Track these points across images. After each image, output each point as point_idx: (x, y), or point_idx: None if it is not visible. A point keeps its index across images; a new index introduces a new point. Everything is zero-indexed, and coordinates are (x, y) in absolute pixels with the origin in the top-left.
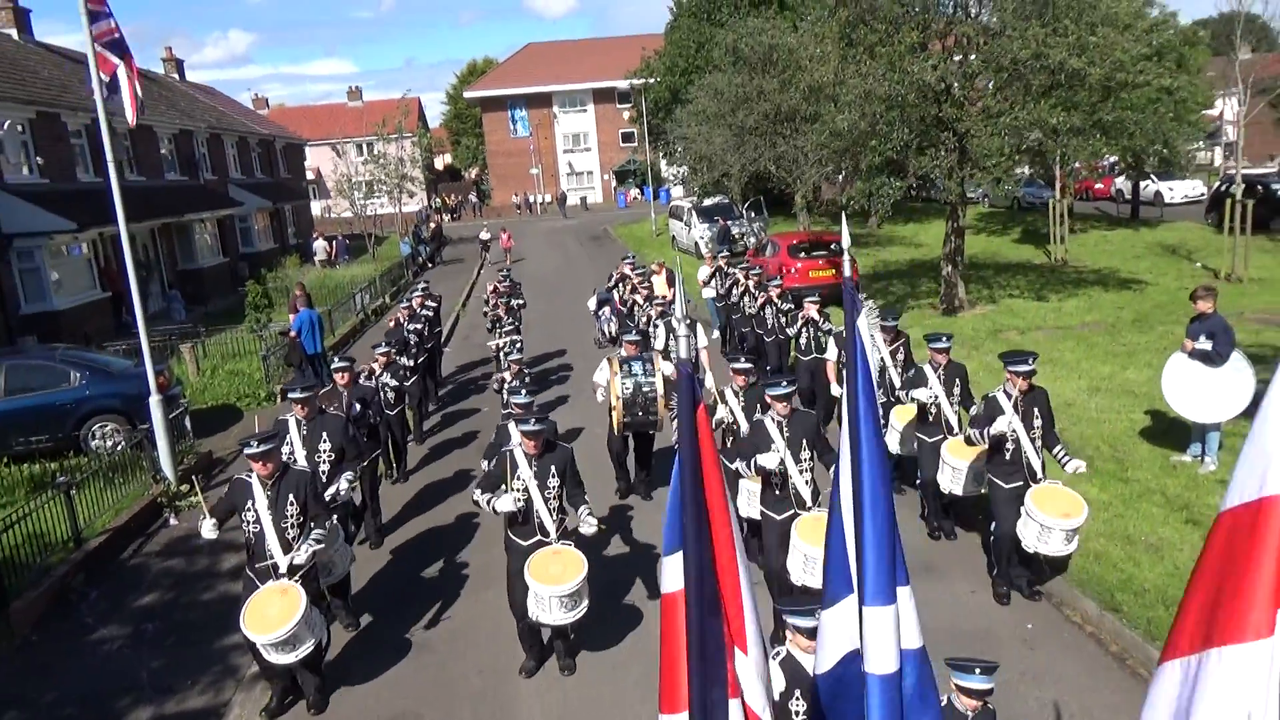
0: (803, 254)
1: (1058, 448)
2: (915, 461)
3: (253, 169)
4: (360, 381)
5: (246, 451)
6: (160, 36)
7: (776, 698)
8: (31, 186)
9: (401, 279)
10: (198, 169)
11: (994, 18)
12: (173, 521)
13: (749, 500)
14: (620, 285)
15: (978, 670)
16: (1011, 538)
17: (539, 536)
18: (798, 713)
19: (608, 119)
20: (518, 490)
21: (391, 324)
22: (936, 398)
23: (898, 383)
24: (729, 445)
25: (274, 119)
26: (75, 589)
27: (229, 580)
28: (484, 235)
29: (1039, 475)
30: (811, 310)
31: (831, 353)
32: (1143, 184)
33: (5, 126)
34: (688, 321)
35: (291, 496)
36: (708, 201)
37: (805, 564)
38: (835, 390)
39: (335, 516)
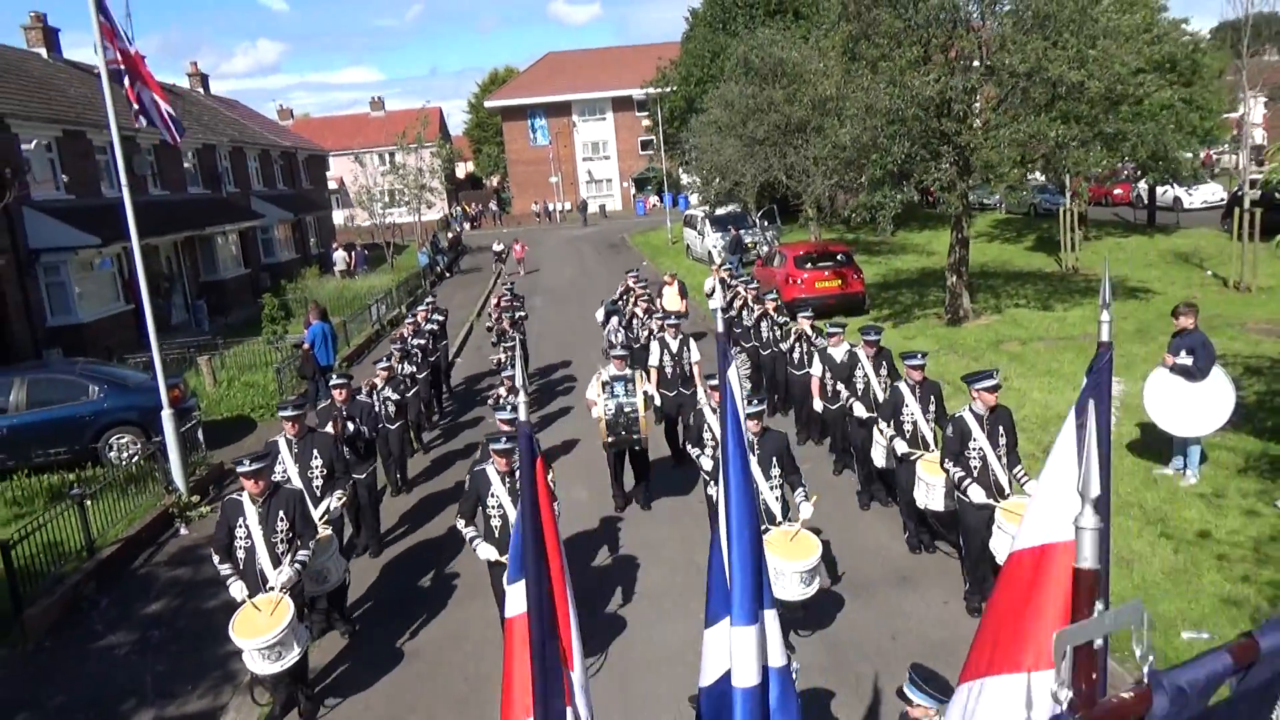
0: (809, 265)
1: (1018, 468)
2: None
3: (275, 181)
4: (358, 398)
5: (239, 470)
6: (190, 47)
7: None
8: (57, 202)
9: (419, 289)
10: (220, 182)
11: (994, 32)
12: (183, 531)
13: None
14: (624, 298)
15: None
16: (982, 550)
17: None
18: None
19: (626, 127)
20: (491, 507)
21: (397, 338)
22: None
23: (881, 396)
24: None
25: (298, 130)
26: (87, 597)
27: None
28: (497, 246)
29: (1006, 491)
30: (805, 325)
31: (816, 369)
32: (1161, 189)
33: (34, 145)
34: (525, 387)
35: (281, 513)
36: (720, 210)
37: (774, 577)
38: (818, 406)
39: (330, 528)
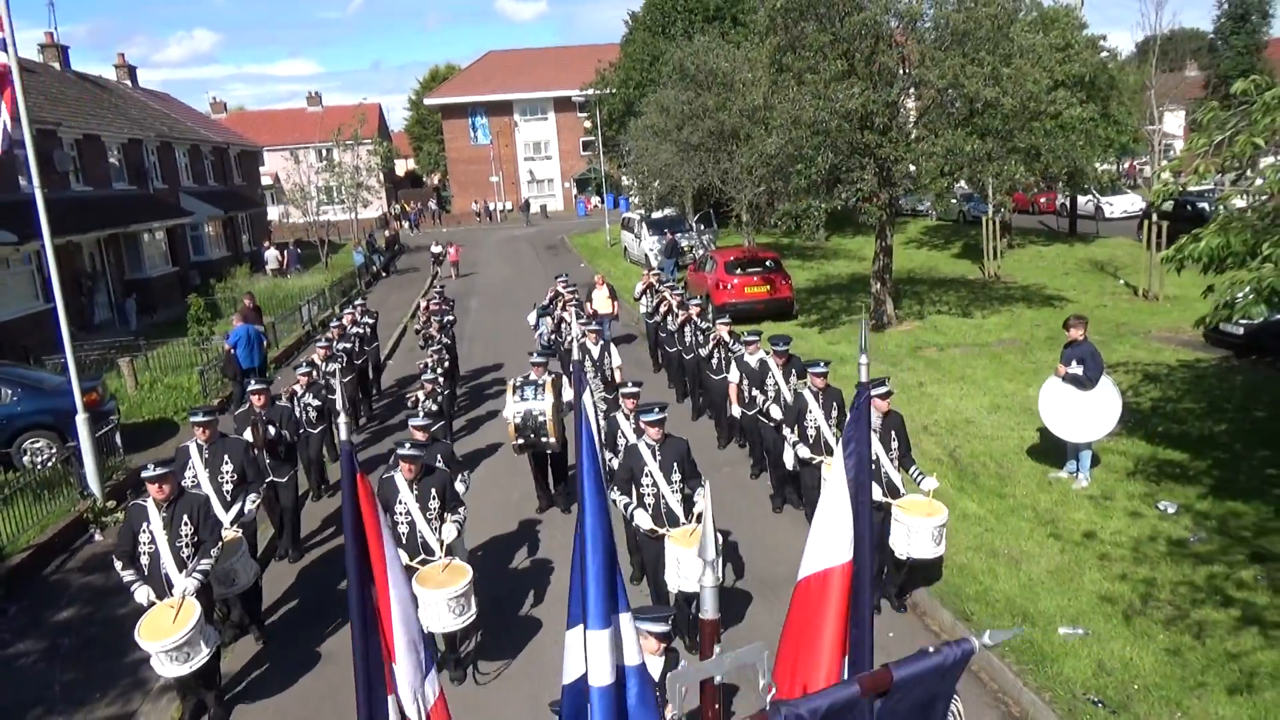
0: (739, 271)
1: (913, 468)
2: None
3: (205, 177)
4: (278, 403)
5: (144, 475)
6: (123, 35)
7: None
8: None
9: (353, 289)
10: (147, 178)
11: (915, 47)
12: (97, 537)
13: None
14: (554, 302)
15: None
16: (882, 549)
17: (423, 555)
18: None
19: (568, 127)
20: (399, 513)
21: (322, 341)
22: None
23: (789, 398)
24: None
25: (232, 123)
26: None
27: None
28: (435, 249)
29: (900, 491)
30: (723, 331)
31: (733, 375)
32: (1084, 199)
33: None
34: (346, 410)
35: (186, 518)
36: (657, 214)
37: (678, 567)
38: (735, 411)
39: (243, 530)
